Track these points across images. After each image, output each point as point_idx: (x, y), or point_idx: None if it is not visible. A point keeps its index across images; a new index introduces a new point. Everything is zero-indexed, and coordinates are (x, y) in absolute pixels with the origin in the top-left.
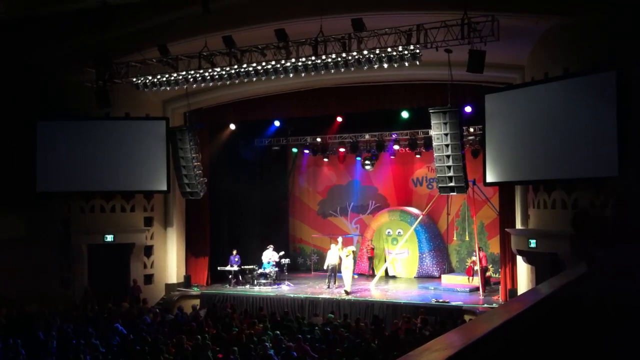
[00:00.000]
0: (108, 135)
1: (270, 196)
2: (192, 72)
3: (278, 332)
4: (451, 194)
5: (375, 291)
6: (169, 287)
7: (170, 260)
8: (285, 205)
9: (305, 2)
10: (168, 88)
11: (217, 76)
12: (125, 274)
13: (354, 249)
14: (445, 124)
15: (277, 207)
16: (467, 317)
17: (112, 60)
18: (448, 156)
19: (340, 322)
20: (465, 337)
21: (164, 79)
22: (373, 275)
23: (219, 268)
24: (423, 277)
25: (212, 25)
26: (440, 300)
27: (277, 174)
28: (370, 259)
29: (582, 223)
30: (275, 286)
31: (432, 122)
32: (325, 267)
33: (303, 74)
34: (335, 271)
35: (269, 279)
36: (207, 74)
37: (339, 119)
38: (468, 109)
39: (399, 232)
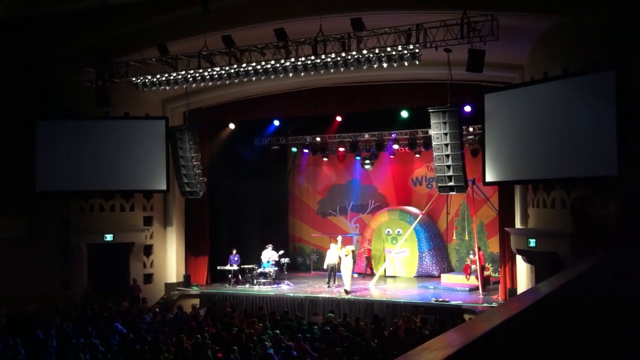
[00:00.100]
0: (108, 135)
1: (270, 195)
2: (192, 71)
3: (278, 331)
4: (451, 193)
5: (374, 290)
6: (169, 286)
7: (170, 260)
8: (285, 205)
9: (304, 1)
10: (167, 87)
11: (216, 76)
12: (124, 274)
13: (353, 248)
14: (444, 123)
15: (276, 206)
16: (466, 317)
17: (111, 60)
18: (447, 155)
19: (340, 322)
20: (464, 336)
21: (164, 78)
22: (369, 275)
23: (218, 267)
24: (423, 276)
25: (212, 24)
26: (440, 300)
27: (276, 173)
28: (367, 258)
29: (583, 219)
30: (275, 285)
31: (432, 121)
32: (324, 267)
33: (302, 74)
34: (335, 270)
35: (268, 279)
36: (206, 73)
37: (339, 119)
38: (467, 108)
39: (398, 232)
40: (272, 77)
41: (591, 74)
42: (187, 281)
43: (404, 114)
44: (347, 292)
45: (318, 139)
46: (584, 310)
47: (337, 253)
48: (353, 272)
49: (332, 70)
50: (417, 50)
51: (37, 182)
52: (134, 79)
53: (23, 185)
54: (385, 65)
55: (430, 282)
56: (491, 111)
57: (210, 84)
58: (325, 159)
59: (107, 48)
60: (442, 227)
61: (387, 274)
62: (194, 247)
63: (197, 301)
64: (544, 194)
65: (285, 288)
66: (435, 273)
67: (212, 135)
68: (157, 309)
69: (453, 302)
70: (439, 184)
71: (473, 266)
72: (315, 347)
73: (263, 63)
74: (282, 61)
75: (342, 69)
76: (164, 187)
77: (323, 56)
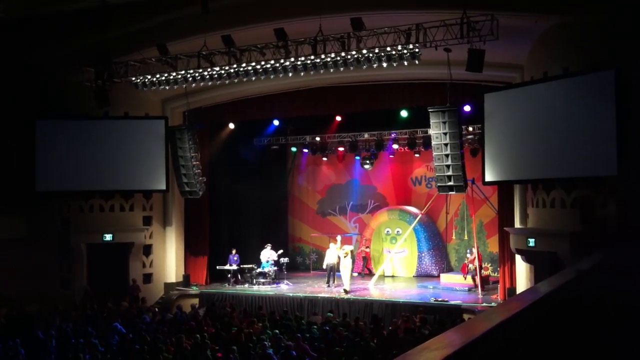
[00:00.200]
0: (107, 135)
1: (270, 195)
2: (192, 71)
3: (277, 331)
4: (450, 193)
5: (374, 290)
6: (168, 286)
7: (169, 260)
8: (285, 205)
9: (304, 1)
10: (167, 87)
11: (216, 75)
12: (124, 273)
13: (352, 248)
14: (444, 123)
15: (276, 206)
16: (466, 316)
17: (111, 60)
18: (447, 155)
19: (339, 321)
20: (464, 336)
21: (163, 78)
22: (366, 275)
23: (218, 267)
24: (422, 276)
25: (212, 24)
26: (439, 299)
27: (276, 173)
28: (364, 259)
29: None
30: (274, 285)
31: (431, 121)
32: (324, 267)
33: (302, 74)
34: (334, 270)
35: (268, 278)
36: (206, 73)
37: (338, 118)
38: (467, 108)
39: (397, 231)
40: (272, 77)
41: (591, 74)
42: (186, 281)
43: (404, 113)
44: (346, 291)
45: (318, 138)
46: (584, 310)
47: (336, 253)
48: (353, 272)
49: (331, 70)
50: (416, 50)
51: (37, 182)
52: (133, 78)
53: (23, 185)
54: (384, 65)
55: (430, 282)
56: (491, 111)
57: (210, 83)
58: (324, 159)
59: (107, 48)
60: (441, 227)
61: (386, 274)
62: (194, 247)
63: (196, 301)
64: (543, 193)
65: (285, 288)
66: (435, 273)
67: (211, 135)
68: (157, 309)
69: (452, 302)
70: (439, 184)
71: (470, 265)
72: (314, 347)
73: (263, 63)
74: (282, 61)
75: (341, 69)
76: (164, 187)
77: (323, 56)
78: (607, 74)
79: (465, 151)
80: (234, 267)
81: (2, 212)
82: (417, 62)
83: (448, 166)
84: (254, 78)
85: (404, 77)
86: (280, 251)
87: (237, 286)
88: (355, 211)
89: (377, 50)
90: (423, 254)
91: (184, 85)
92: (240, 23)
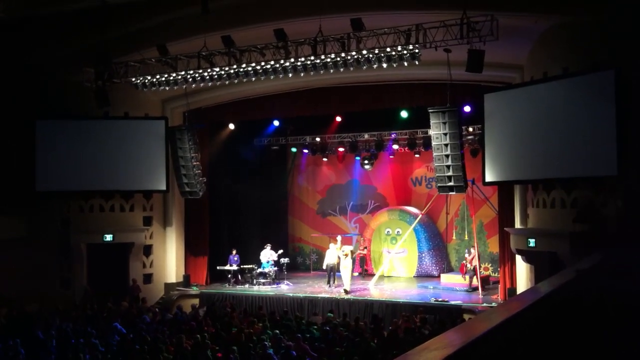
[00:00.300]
0: (107, 135)
1: (270, 195)
2: (191, 71)
3: (277, 331)
4: (450, 193)
5: (374, 290)
6: (168, 286)
7: (170, 260)
8: (285, 205)
9: (304, 2)
10: (167, 88)
11: (216, 76)
12: (124, 274)
13: (352, 248)
14: (444, 123)
15: (276, 206)
16: (466, 316)
17: (111, 60)
18: (447, 156)
19: (340, 321)
20: (464, 336)
21: (163, 78)
22: (362, 275)
23: (218, 267)
24: (422, 276)
25: (211, 25)
26: (440, 300)
27: (276, 173)
28: (362, 259)
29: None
30: (275, 285)
31: (431, 121)
32: (324, 267)
33: (302, 74)
34: (334, 270)
35: (268, 278)
36: (206, 73)
37: (338, 119)
38: (467, 108)
39: (398, 232)
40: (272, 77)
41: (591, 74)
42: (186, 281)
43: (404, 114)
44: (346, 292)
45: (318, 139)
46: (584, 310)
47: (336, 253)
48: (353, 272)
49: (331, 71)
50: (416, 51)
51: (37, 182)
52: (133, 79)
53: (23, 185)
54: (384, 65)
55: (430, 282)
56: (491, 111)
57: (209, 84)
58: (324, 159)
59: (106, 48)
60: (441, 227)
61: (386, 274)
62: (194, 247)
63: (196, 301)
64: (543, 193)
65: (285, 288)
66: (435, 273)
67: (211, 136)
68: (157, 309)
69: (452, 302)
70: (439, 184)
71: (469, 265)
72: (314, 347)
73: (263, 63)
74: (282, 61)
75: (341, 69)
76: (164, 187)
77: (323, 56)
78: (607, 74)
79: (465, 151)
80: (234, 267)
81: (2, 212)
82: (417, 62)
83: (448, 166)
84: (254, 79)
85: (404, 77)
86: (280, 251)
87: (238, 286)
88: (355, 211)
89: (377, 51)
90: (423, 254)
91: (184, 86)
92: (240, 23)
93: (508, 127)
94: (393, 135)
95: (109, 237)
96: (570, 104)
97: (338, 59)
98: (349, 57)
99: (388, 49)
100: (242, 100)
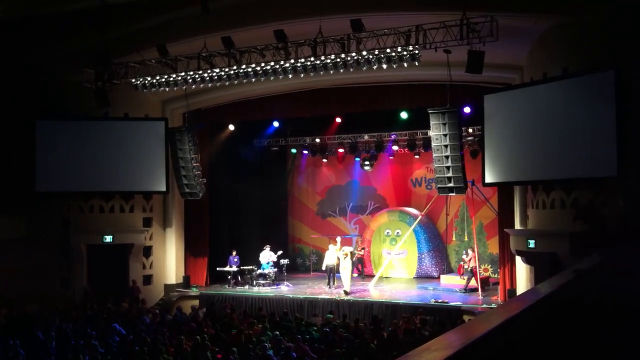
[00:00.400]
0: (107, 136)
1: (270, 196)
2: (191, 72)
3: (277, 332)
4: (450, 194)
5: (374, 291)
6: (168, 287)
7: (170, 261)
8: (285, 206)
9: (304, 2)
10: (167, 89)
11: (216, 77)
12: (124, 275)
13: (352, 249)
14: (444, 124)
15: (276, 207)
16: (466, 318)
17: (111, 60)
18: (447, 157)
19: (339, 323)
20: (464, 337)
21: (163, 79)
22: (359, 276)
23: (218, 268)
24: (422, 277)
25: (211, 25)
26: (439, 301)
27: (276, 174)
28: (360, 260)
29: (585, 215)
30: (274, 286)
31: (431, 122)
32: (323, 268)
33: (302, 75)
34: (334, 272)
35: (268, 280)
36: (206, 74)
37: (338, 120)
38: (467, 109)
39: (397, 233)
40: (272, 78)
41: (590, 75)
42: (186, 282)
43: (404, 115)
44: (346, 293)
45: (317, 140)
46: (584, 310)
47: (335, 254)
48: (353, 273)
49: (331, 72)
50: (416, 52)
51: (37, 182)
52: (133, 80)
53: (23, 185)
54: (384, 66)
55: (430, 283)
56: (491, 112)
57: (209, 85)
58: (324, 160)
59: (106, 48)
60: (441, 228)
61: (386, 275)
62: (194, 248)
63: (196, 302)
64: (543, 194)
65: (285, 289)
66: (435, 274)
67: (211, 136)
68: (157, 310)
69: (452, 303)
70: (439, 185)
71: (466, 266)
72: (314, 348)
73: (263, 64)
74: (282, 62)
75: (341, 70)
76: (164, 188)
77: (322, 57)
78: (607, 74)
79: (465, 152)
80: (234, 268)
81: (2, 212)
82: (416, 63)
83: (448, 167)
84: (253, 79)
85: (403, 78)
86: (280, 252)
87: (237, 287)
88: (355, 212)
89: (376, 52)
90: (423, 255)
91: (184, 87)
92: (240, 24)
93: (508, 128)
94: (393, 136)
95: (108, 238)
96: (570, 105)
97: (338, 59)
98: (348, 58)
99: (388, 50)
100: (242, 101)
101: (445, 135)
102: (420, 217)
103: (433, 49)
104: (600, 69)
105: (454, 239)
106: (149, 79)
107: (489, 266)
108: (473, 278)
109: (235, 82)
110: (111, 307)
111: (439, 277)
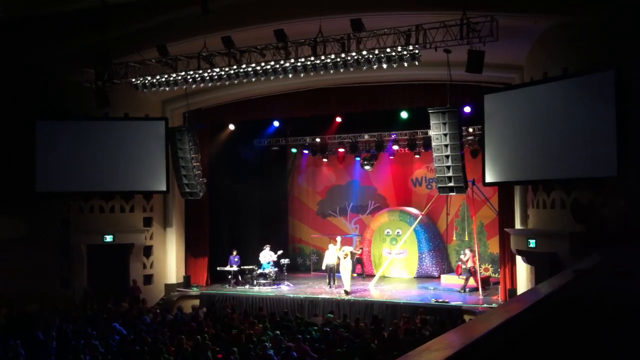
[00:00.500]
0: (107, 136)
1: (270, 196)
2: (191, 72)
3: (278, 332)
4: (450, 194)
5: (374, 291)
6: (169, 287)
7: (170, 261)
8: (285, 206)
9: (304, 2)
10: (167, 88)
11: (216, 76)
12: (124, 274)
13: (352, 249)
14: (444, 124)
15: (276, 207)
16: (466, 317)
17: (111, 60)
18: (447, 156)
19: (340, 322)
20: (464, 337)
21: (163, 79)
22: (360, 275)
23: (218, 268)
24: (422, 277)
25: (211, 25)
26: (440, 300)
27: (276, 174)
28: (358, 260)
29: (585, 215)
30: (275, 286)
31: (431, 122)
32: (323, 268)
33: (302, 75)
34: (334, 271)
35: (268, 279)
36: (206, 74)
37: (338, 119)
38: (467, 109)
39: (398, 232)
40: (272, 77)
41: (590, 74)
42: (187, 282)
43: (404, 114)
44: (346, 292)
45: (318, 139)
46: (584, 310)
47: (335, 254)
48: (353, 273)
49: (331, 71)
50: (416, 51)
51: (37, 182)
52: (133, 80)
53: (23, 185)
54: (384, 66)
55: (430, 283)
56: (491, 112)
57: (210, 84)
58: (324, 160)
59: (106, 48)
60: (442, 228)
61: (386, 275)
62: (194, 248)
63: (197, 302)
64: (543, 194)
65: (285, 289)
66: (435, 274)
67: (211, 136)
68: (157, 310)
69: (453, 303)
70: (439, 185)
71: (464, 266)
72: (315, 348)
73: (263, 64)
74: (282, 62)
75: (341, 70)
76: (164, 188)
77: (323, 57)
78: (607, 74)
79: (465, 152)
80: (235, 268)
81: (2, 212)
82: (417, 63)
83: (448, 167)
84: (254, 79)
85: (404, 78)
86: (280, 252)
87: (238, 287)
88: (355, 212)
89: (377, 52)
90: (423, 255)
91: (184, 87)
92: (240, 24)
93: (508, 128)
94: (393, 136)
95: (109, 238)
96: (570, 105)
97: (338, 59)
98: (348, 58)
99: (388, 50)
100: (242, 100)
101: (445, 134)
102: (420, 216)
103: (433, 49)
104: (600, 69)
105: (454, 238)
106: (149, 78)
107: (490, 266)
108: (471, 277)
109: (236, 81)
110: (111, 307)
111: (439, 277)
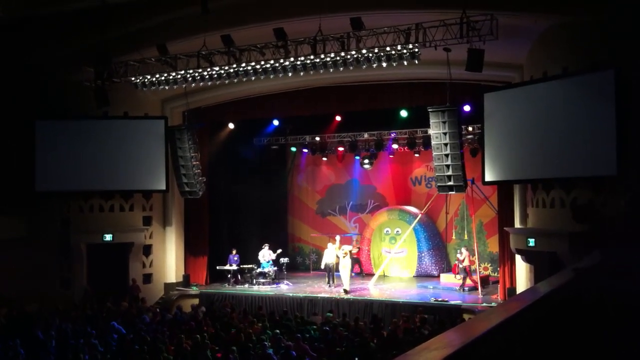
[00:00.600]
0: (107, 135)
1: (269, 195)
2: (191, 71)
3: (277, 331)
4: (450, 192)
5: (374, 290)
6: (168, 286)
7: (169, 260)
8: (284, 204)
9: (304, 1)
10: (167, 87)
11: (215, 75)
12: (124, 274)
13: (351, 248)
14: (444, 123)
15: (276, 206)
16: (466, 316)
17: (111, 59)
18: (447, 155)
19: (339, 321)
20: (464, 336)
21: (163, 78)
22: (359, 275)
23: (218, 267)
24: (422, 276)
25: (211, 24)
26: (439, 299)
27: (276, 173)
28: (357, 259)
29: (585, 215)
30: (274, 285)
31: (431, 121)
32: (322, 267)
33: (302, 73)
34: (333, 270)
35: (267, 278)
36: (205, 73)
37: (338, 118)
38: (467, 107)
39: (397, 231)
40: (272, 76)
41: (590, 74)
42: (186, 281)
43: (404, 113)
44: (346, 291)
45: (317, 138)
46: (584, 310)
47: (334, 253)
48: (352, 272)
49: (331, 70)
50: (416, 50)
51: (37, 182)
52: (133, 78)
53: (23, 185)
54: (384, 64)
55: (430, 282)
56: (490, 111)
57: (209, 83)
58: (324, 159)
59: (107, 48)
60: (441, 227)
61: (386, 274)
62: (194, 247)
63: (196, 301)
64: (543, 193)
65: (285, 288)
66: (435, 273)
67: (211, 135)
68: (157, 309)
69: (452, 302)
70: (438, 184)
71: (460, 265)
72: (314, 347)
73: (262, 63)
74: (282, 61)
75: (341, 69)
76: (164, 187)
77: (322, 56)
78: (607, 74)
79: (465, 151)
80: (234, 267)
81: (2, 212)
82: (416, 61)
83: (448, 166)
84: (253, 78)
85: (403, 76)
86: (279, 251)
87: (237, 286)
88: (355, 211)
89: (376, 50)
90: (423, 254)
91: (184, 85)
92: (240, 23)
93: (508, 127)
94: (393, 135)
95: (108, 237)
96: (569, 104)
97: (338, 58)
98: (348, 57)
99: (388, 48)
100: (241, 99)
101: (445, 133)
102: (420, 215)
103: (433, 47)
104: (600, 68)
105: (453, 237)
106: (149, 77)
107: (489, 265)
108: (468, 277)
109: (235, 80)
110: (111, 306)
111: (438, 276)
